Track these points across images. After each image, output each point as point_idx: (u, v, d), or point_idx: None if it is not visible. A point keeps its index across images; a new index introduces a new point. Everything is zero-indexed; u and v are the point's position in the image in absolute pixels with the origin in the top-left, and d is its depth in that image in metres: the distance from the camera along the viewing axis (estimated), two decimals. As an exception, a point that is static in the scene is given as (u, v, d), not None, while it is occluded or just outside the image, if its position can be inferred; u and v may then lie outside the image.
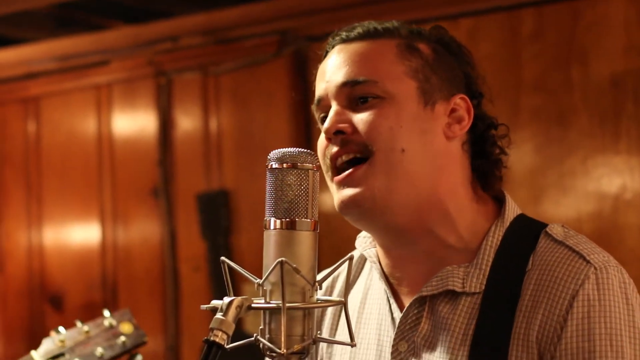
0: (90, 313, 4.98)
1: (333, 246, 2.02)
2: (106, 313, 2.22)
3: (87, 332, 2.17)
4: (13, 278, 5.34)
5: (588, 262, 1.66)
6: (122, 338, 2.17)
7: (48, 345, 2.14)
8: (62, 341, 2.14)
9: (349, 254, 1.47)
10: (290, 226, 1.38)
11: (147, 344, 2.21)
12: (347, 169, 1.72)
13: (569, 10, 3.89)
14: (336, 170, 1.73)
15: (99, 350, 2.14)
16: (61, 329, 2.16)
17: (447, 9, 4.13)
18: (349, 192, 1.70)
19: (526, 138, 3.91)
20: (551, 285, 1.65)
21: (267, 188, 1.40)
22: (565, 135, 3.89)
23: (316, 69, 1.84)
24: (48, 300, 5.20)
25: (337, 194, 1.72)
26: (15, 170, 5.35)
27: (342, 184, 1.71)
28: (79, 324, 2.18)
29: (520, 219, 1.79)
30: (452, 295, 1.72)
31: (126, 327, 2.20)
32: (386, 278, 1.81)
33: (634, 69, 3.76)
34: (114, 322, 2.20)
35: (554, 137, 3.91)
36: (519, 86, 3.97)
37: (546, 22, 3.94)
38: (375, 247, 1.85)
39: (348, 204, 1.70)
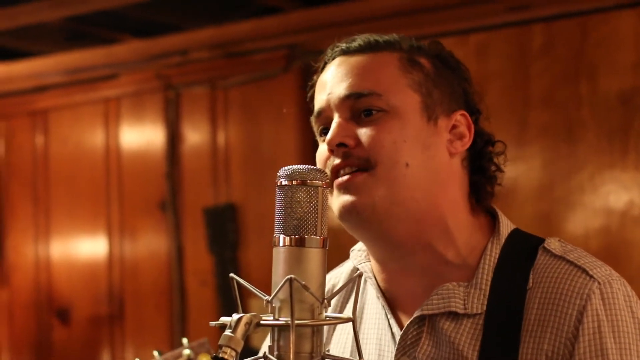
0: (97, 326, 5.00)
1: (341, 261, 2.01)
2: (184, 342, 2.16)
3: None
4: (20, 291, 5.35)
5: (591, 277, 1.65)
6: None
7: None
8: None
9: (358, 272, 1.47)
10: (299, 243, 1.38)
11: None
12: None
13: (578, 25, 3.89)
14: (337, 178, 1.72)
15: None
16: None
17: (456, 25, 4.13)
18: (350, 198, 1.68)
19: (534, 153, 3.91)
20: (556, 302, 1.64)
21: (277, 205, 1.40)
22: (574, 151, 3.88)
23: (311, 79, 1.84)
24: (55, 314, 5.20)
25: (337, 200, 1.71)
26: (23, 183, 5.36)
27: (342, 189, 1.69)
28: (156, 354, 2.13)
29: (516, 235, 1.78)
30: (454, 316, 1.71)
31: None
32: (382, 293, 1.81)
33: (643, 85, 3.77)
34: (192, 355, 2.14)
35: (562, 153, 3.90)
36: (528, 101, 3.96)
37: (555, 38, 3.94)
38: (370, 261, 1.84)
39: (349, 210, 1.69)
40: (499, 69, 3.98)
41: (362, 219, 1.69)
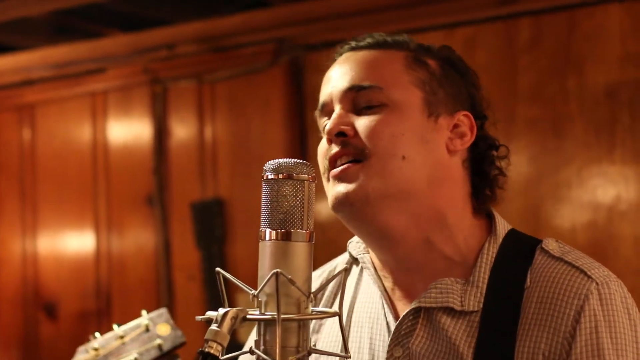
0: (84, 321, 4.98)
1: (328, 256, 2.01)
2: (143, 313, 2.17)
3: (121, 337, 2.12)
4: (7, 286, 5.33)
5: (589, 277, 1.66)
6: (158, 341, 2.11)
7: (82, 355, 2.10)
8: (95, 349, 2.09)
9: (344, 266, 1.47)
10: (285, 237, 1.38)
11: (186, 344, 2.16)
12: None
13: (565, 20, 3.90)
14: (333, 168, 1.74)
15: (134, 356, 2.09)
16: (97, 334, 2.12)
17: (444, 19, 4.13)
18: (343, 188, 1.70)
19: (521, 148, 3.91)
20: (554, 301, 1.65)
21: (263, 199, 1.40)
22: (561, 145, 3.89)
23: (320, 77, 1.85)
24: (42, 308, 5.19)
25: (331, 190, 1.73)
26: (10, 177, 5.35)
27: (337, 179, 1.71)
28: (115, 327, 2.14)
29: (512, 235, 1.80)
30: (451, 311, 1.72)
31: (163, 329, 2.14)
32: (381, 283, 1.82)
33: (630, 80, 3.77)
34: (150, 324, 2.14)
35: (549, 147, 3.91)
36: (515, 95, 3.97)
37: (543, 32, 3.95)
38: (369, 252, 1.85)
39: (341, 200, 1.70)
40: (487, 62, 3.98)
41: (355, 210, 1.70)
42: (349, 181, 1.70)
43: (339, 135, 1.72)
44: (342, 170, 1.71)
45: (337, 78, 1.78)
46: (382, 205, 1.69)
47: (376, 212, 1.70)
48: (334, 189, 1.71)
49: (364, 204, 1.69)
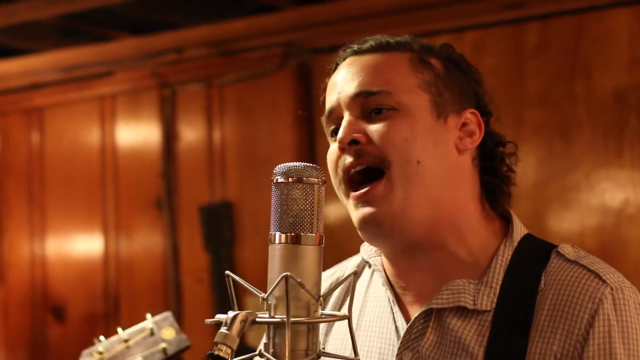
0: (92, 324, 4.99)
1: (337, 259, 2.01)
2: (148, 317, 2.18)
3: (126, 340, 2.12)
4: (15, 289, 5.34)
5: (604, 281, 1.66)
6: (163, 344, 2.12)
7: (86, 358, 2.11)
8: (100, 353, 2.10)
9: (354, 270, 1.47)
10: (295, 240, 1.38)
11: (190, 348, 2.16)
12: (361, 181, 1.71)
13: (573, 24, 3.90)
14: (349, 182, 1.73)
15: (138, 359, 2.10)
16: (102, 337, 2.13)
17: (452, 22, 4.13)
18: (369, 210, 1.69)
19: (529, 151, 3.91)
20: (568, 304, 1.65)
21: (273, 202, 1.40)
22: (569, 149, 3.88)
23: (324, 82, 1.84)
24: (50, 311, 5.20)
25: (355, 212, 1.71)
26: (19, 180, 5.36)
27: (361, 202, 1.70)
28: (120, 330, 2.14)
29: (528, 239, 1.80)
30: (462, 311, 1.71)
31: (167, 333, 2.15)
32: (391, 286, 1.81)
33: (638, 84, 3.76)
34: (155, 328, 2.15)
35: (558, 151, 3.91)
36: (523, 100, 3.97)
37: (550, 36, 3.94)
38: (381, 255, 1.85)
39: (369, 222, 1.69)
40: (495, 66, 3.98)
41: (382, 230, 1.70)
42: (374, 203, 1.69)
43: (352, 144, 1.71)
44: (367, 192, 1.70)
45: (343, 83, 1.76)
46: (406, 217, 1.69)
47: (402, 228, 1.69)
48: (360, 212, 1.70)
49: (391, 222, 1.69)
